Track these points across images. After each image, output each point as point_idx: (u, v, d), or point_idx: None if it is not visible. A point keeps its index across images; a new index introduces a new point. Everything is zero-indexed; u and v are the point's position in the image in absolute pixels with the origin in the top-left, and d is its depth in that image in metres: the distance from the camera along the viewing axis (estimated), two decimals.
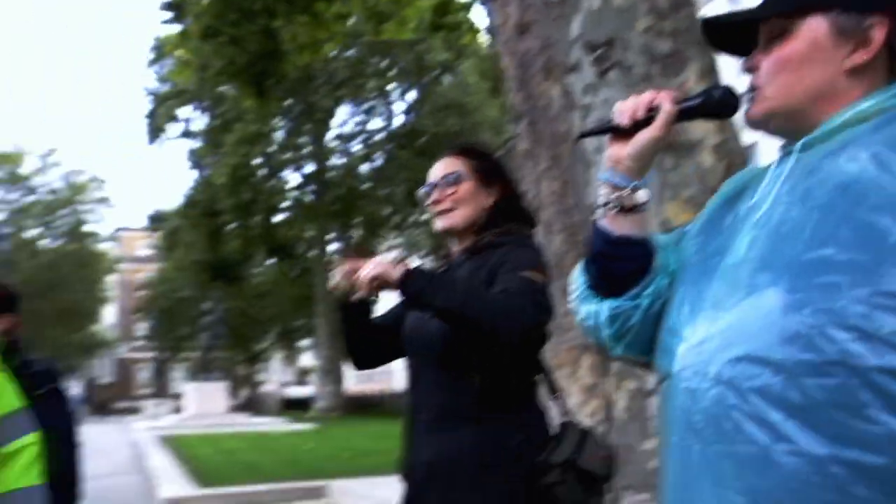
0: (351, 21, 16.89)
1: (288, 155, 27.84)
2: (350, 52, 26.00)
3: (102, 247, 53.36)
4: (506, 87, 4.31)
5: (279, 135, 27.70)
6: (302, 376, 52.97)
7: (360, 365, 2.39)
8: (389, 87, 28.55)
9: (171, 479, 10.89)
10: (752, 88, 1.18)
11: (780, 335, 0.96)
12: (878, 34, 1.09)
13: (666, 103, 1.23)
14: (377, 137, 28.92)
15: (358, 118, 29.02)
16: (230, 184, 25.44)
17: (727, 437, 0.98)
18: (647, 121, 1.24)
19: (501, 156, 2.37)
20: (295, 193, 28.98)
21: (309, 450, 14.91)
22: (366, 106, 28.73)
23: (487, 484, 1.96)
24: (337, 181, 27.59)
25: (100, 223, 52.58)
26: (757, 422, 0.95)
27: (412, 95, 28.64)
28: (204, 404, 24.48)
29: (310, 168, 28.14)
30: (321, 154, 27.70)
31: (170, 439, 17.74)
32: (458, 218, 2.17)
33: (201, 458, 13.67)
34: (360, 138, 29.05)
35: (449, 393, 2.04)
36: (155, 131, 26.91)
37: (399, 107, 29.19)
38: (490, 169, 2.22)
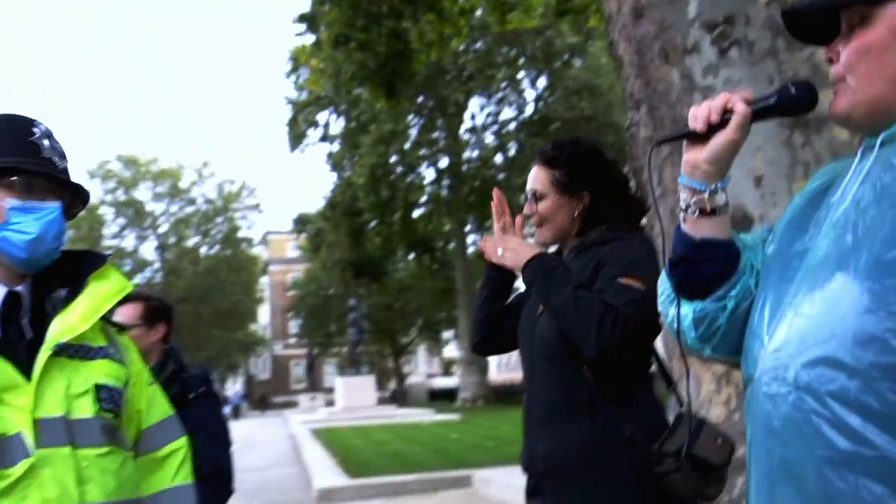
0: (477, 14, 17.01)
1: (423, 151, 28.26)
2: (478, 45, 26.14)
3: (255, 251, 56.12)
4: (623, 75, 4.24)
5: (413, 132, 28.17)
6: (447, 367, 53.81)
7: (481, 349, 2.48)
8: (519, 75, 28.47)
9: (325, 470, 11.32)
10: (836, 81, 1.14)
11: (854, 338, 0.95)
12: None
13: (739, 104, 1.22)
14: (509, 127, 28.94)
15: (489, 109, 29.11)
16: (369, 183, 26.11)
17: (807, 442, 0.98)
18: (722, 124, 1.23)
19: (591, 153, 2.30)
20: (431, 188, 29.38)
21: (454, 440, 15.18)
22: (497, 97, 28.77)
23: (602, 474, 2.00)
24: (472, 173, 27.82)
25: (251, 228, 55.14)
26: (836, 426, 0.94)
27: (542, 82, 28.44)
28: (353, 398, 25.34)
29: (444, 162, 28.51)
30: (455, 147, 27.98)
31: (322, 432, 18.50)
32: (547, 233, 2.23)
33: (352, 450, 14.18)
34: (492, 129, 29.14)
35: (562, 386, 2.08)
36: (296, 138, 28.00)
37: (530, 95, 29.06)
38: (573, 178, 2.20)
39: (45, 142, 1.53)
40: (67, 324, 1.48)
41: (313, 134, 28.94)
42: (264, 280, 59.08)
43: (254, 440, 22.18)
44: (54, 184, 1.53)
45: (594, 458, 2.01)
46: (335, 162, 29.80)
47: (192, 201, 53.17)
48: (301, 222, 34.05)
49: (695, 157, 1.26)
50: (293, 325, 52.11)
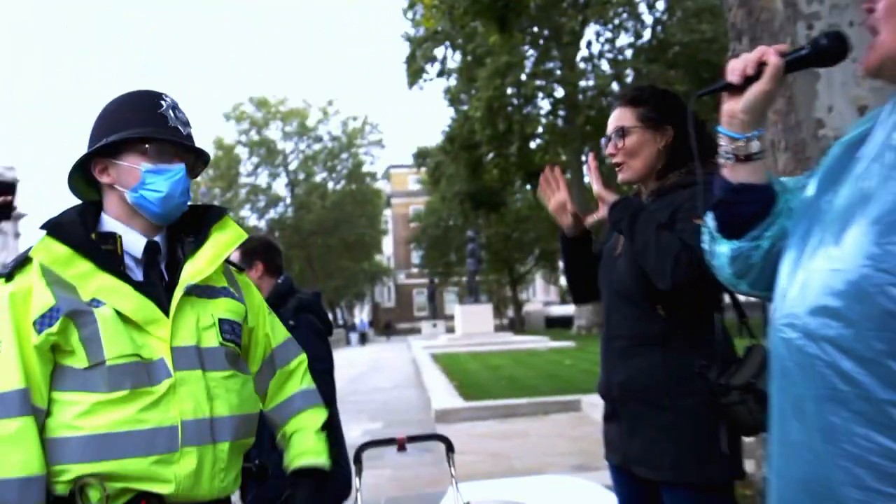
0: None
1: (538, 82, 27.76)
2: None
3: (378, 185, 57.21)
4: (726, 5, 4.09)
5: (529, 63, 27.69)
6: (563, 295, 53.72)
7: (579, 299, 2.56)
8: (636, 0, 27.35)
9: (443, 392, 11.67)
10: (872, 33, 1.13)
11: (851, 291, 1.00)
12: None
13: (773, 57, 1.26)
14: (626, 54, 27.98)
15: (605, 36, 28.20)
16: (486, 116, 25.97)
17: (810, 382, 1.05)
18: (758, 76, 1.27)
19: (672, 95, 2.32)
20: (547, 119, 28.96)
21: (567, 366, 15.31)
22: (613, 23, 27.79)
23: (673, 401, 2.07)
24: (587, 103, 27.17)
25: (374, 163, 56.20)
26: (832, 369, 1.01)
27: (661, 5, 27.22)
28: (472, 325, 25.83)
29: (560, 93, 27.95)
30: (570, 77, 27.34)
31: (442, 357, 19.03)
32: (631, 171, 2.24)
33: (469, 374, 14.57)
34: (608, 56, 28.24)
35: (637, 321, 2.16)
36: (413, 74, 28.10)
37: (647, 20, 27.90)
38: (657, 113, 2.22)
39: (171, 113, 1.69)
40: (196, 268, 1.66)
41: (431, 69, 29.00)
42: (387, 213, 60.35)
43: (380, 364, 23.09)
44: (180, 149, 1.69)
45: (664, 387, 2.08)
46: (452, 96, 29.80)
47: (318, 139, 54.49)
48: (421, 156, 34.44)
49: (732, 107, 1.31)
50: (415, 256, 53.27)
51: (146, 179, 1.64)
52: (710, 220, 1.43)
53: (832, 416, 1.01)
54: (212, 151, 46.62)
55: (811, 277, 1.08)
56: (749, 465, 2.46)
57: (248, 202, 53.05)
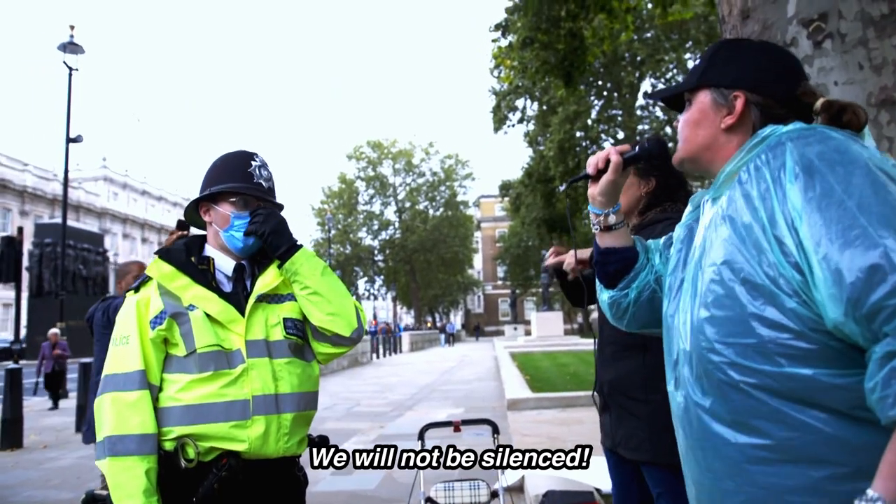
0: (644, 9, 16.17)
1: (602, 127, 27.48)
2: (648, 34, 24.85)
3: (469, 211, 57.42)
4: None
5: (594, 111, 27.43)
6: None
7: (576, 304, 2.62)
8: (686, 56, 26.70)
9: (515, 385, 11.61)
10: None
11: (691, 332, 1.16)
12: (739, 103, 1.18)
13: (614, 156, 1.40)
14: None
15: (659, 87, 27.62)
16: (558, 155, 25.91)
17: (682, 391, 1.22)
18: (606, 168, 1.40)
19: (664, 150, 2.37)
20: None
21: None
22: (666, 77, 27.20)
23: (649, 396, 2.12)
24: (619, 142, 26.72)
25: (467, 194, 56.34)
26: (688, 384, 1.18)
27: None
28: (545, 329, 25.58)
29: (620, 135, 27.54)
30: (629, 123, 26.95)
31: (518, 355, 18.92)
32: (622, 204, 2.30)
33: (539, 370, 14.46)
34: (661, 105, 27.65)
35: (625, 332, 2.20)
36: (498, 121, 28.17)
37: None
38: (647, 166, 2.26)
39: (258, 171, 1.88)
40: (265, 282, 1.84)
41: (512, 117, 29.00)
42: (477, 234, 60.45)
43: (468, 360, 23.14)
44: (261, 199, 1.88)
45: (644, 384, 2.13)
46: (531, 139, 29.71)
47: (422, 174, 55.21)
48: (504, 188, 34.40)
49: (592, 191, 1.45)
50: (500, 271, 53.20)
51: (234, 223, 1.84)
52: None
53: (685, 417, 1.22)
54: (336, 185, 47.40)
55: (684, 323, 1.22)
56: None
57: (365, 226, 54.28)
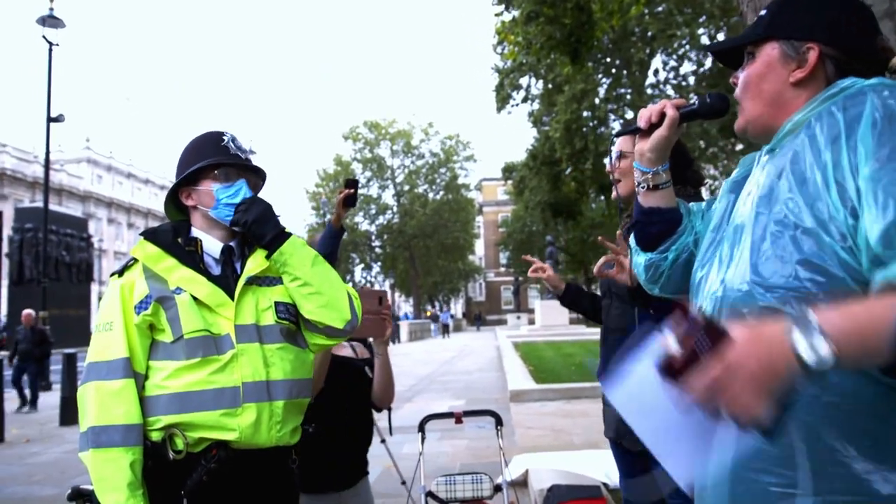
0: None
1: (610, 106, 27.36)
2: (660, 8, 24.66)
3: (471, 195, 57.38)
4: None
5: (602, 90, 27.31)
6: None
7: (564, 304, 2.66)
8: (700, 31, 26.52)
9: (518, 376, 11.66)
10: (738, 102, 1.26)
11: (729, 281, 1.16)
12: (812, 56, 1.16)
13: (671, 110, 1.35)
14: (689, 80, 27.19)
15: (671, 64, 27.47)
16: (564, 136, 25.80)
17: None
18: (660, 122, 1.37)
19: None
20: None
21: None
22: (678, 53, 27.06)
23: None
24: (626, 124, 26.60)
25: (468, 176, 56.24)
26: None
27: (721, 36, 26.33)
28: (550, 318, 25.66)
29: (629, 115, 27.44)
30: (639, 102, 26.79)
31: (522, 345, 18.99)
32: (622, 189, 2.29)
33: (543, 360, 14.52)
34: (673, 83, 27.53)
35: (630, 320, 2.21)
36: (502, 100, 28.07)
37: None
38: None
39: (231, 144, 1.89)
40: (255, 263, 1.83)
41: (516, 96, 28.87)
42: (479, 219, 60.46)
43: (469, 350, 23.22)
44: (241, 169, 1.88)
45: None
46: (535, 119, 29.60)
47: (421, 156, 55.09)
48: (508, 170, 34.34)
49: (641, 147, 1.42)
50: (502, 257, 53.19)
51: (219, 197, 1.82)
52: (632, 237, 1.54)
53: None
54: (331, 167, 47.19)
55: (707, 283, 1.22)
56: None
57: (362, 210, 54.20)
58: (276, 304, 1.82)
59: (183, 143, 1.95)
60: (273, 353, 1.78)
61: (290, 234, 1.85)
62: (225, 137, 1.89)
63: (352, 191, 2.85)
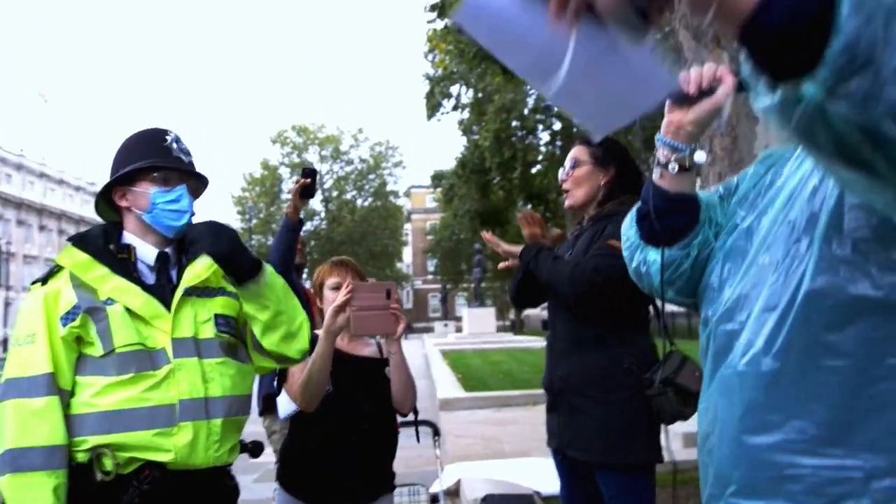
0: None
1: (539, 117, 27.93)
2: None
3: (400, 202, 57.24)
4: (682, 58, 4.15)
5: (530, 101, 27.81)
6: None
7: (520, 305, 2.61)
8: None
9: (447, 384, 11.63)
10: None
11: (763, 300, 1.06)
12: None
13: (728, 76, 1.15)
14: None
15: None
16: (493, 145, 26.22)
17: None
18: (709, 91, 1.16)
19: (619, 143, 2.38)
20: (546, 148, 29.10)
21: None
22: None
23: (605, 394, 2.12)
24: (580, 134, 27.27)
25: (397, 183, 56.08)
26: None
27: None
28: (477, 325, 25.73)
29: (557, 126, 28.08)
30: (567, 113, 27.54)
31: (449, 353, 18.98)
32: (573, 198, 2.31)
33: (471, 368, 14.53)
34: None
35: (577, 326, 2.21)
36: (432, 108, 28.14)
37: None
38: (605, 153, 2.28)
39: (174, 145, 1.78)
40: (194, 273, 1.73)
41: (447, 104, 29.02)
42: (407, 226, 60.31)
43: None
44: (183, 174, 1.78)
45: (598, 381, 2.13)
46: (465, 128, 29.82)
47: (350, 161, 54.60)
48: (437, 178, 34.46)
49: (679, 118, 1.20)
50: (430, 265, 53.38)
51: (156, 201, 1.72)
52: (632, 229, 1.35)
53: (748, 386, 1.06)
54: (258, 171, 46.15)
55: (743, 289, 1.10)
56: (692, 453, 2.50)
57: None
58: (216, 316, 1.74)
59: (103, 144, 1.82)
60: (212, 368, 1.69)
61: (261, 261, 1.77)
62: (168, 137, 1.78)
63: (309, 181, 2.74)
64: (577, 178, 2.29)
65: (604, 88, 0.89)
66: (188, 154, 1.81)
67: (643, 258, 1.31)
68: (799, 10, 0.67)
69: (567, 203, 2.33)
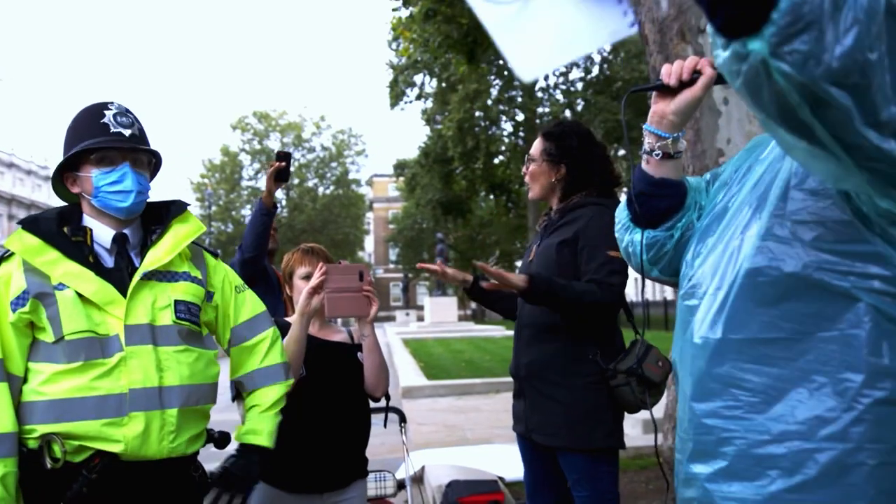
0: None
1: (502, 107, 28.01)
2: None
3: (362, 191, 56.87)
4: (647, 51, 4.20)
5: (494, 91, 27.85)
6: None
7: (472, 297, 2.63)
8: None
9: (409, 372, 11.68)
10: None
11: (736, 273, 1.12)
12: None
13: (708, 68, 1.21)
14: (577, 86, 28.26)
15: (560, 70, 28.41)
16: (456, 135, 26.18)
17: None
18: (690, 82, 1.22)
19: (575, 137, 2.35)
20: (509, 139, 29.21)
21: None
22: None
23: (568, 380, 2.15)
24: (543, 126, 27.42)
25: (359, 172, 55.65)
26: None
27: (607, 46, 27.52)
28: (439, 314, 25.78)
29: (520, 117, 28.20)
30: (529, 105, 27.59)
31: (411, 342, 18.98)
32: (533, 190, 2.35)
33: (434, 356, 14.57)
34: (561, 88, 28.52)
35: (544, 315, 2.23)
36: (395, 97, 27.97)
37: (596, 58, 28.17)
38: (557, 152, 2.28)
39: (114, 120, 1.68)
40: (155, 256, 1.68)
41: (410, 93, 28.88)
42: (369, 215, 59.95)
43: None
44: (125, 150, 1.69)
45: (563, 369, 2.16)
46: (428, 117, 29.75)
47: (312, 149, 54.01)
48: (399, 167, 34.37)
49: (663, 108, 1.27)
50: (392, 253, 53.22)
51: (97, 183, 1.65)
52: (624, 210, 1.41)
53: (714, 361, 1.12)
54: (217, 158, 45.22)
55: (711, 263, 1.17)
56: (658, 438, 2.55)
57: (249, 203, 52.41)
58: (177, 302, 1.68)
59: (55, 125, 1.75)
60: (168, 356, 1.63)
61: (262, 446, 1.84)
62: (106, 112, 1.68)
63: (283, 164, 2.69)
64: (532, 174, 2.35)
65: (554, 19, 0.92)
66: (131, 125, 1.71)
67: (631, 239, 1.38)
68: None
69: (530, 195, 2.39)
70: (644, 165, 1.32)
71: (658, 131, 1.28)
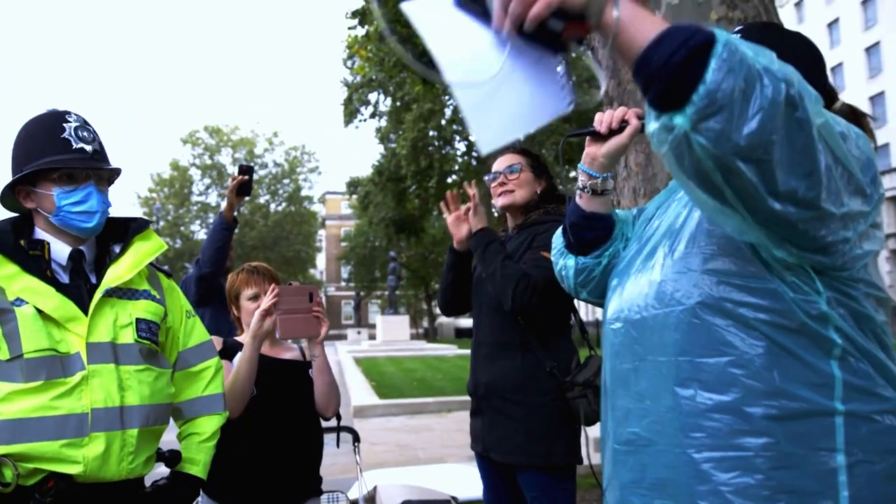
0: None
1: (456, 127, 28.23)
2: None
3: (314, 208, 56.42)
4: (602, 75, 4.30)
5: (448, 111, 28.08)
6: None
7: (449, 311, 2.61)
8: None
9: (361, 391, 11.57)
10: None
11: (647, 298, 1.21)
12: None
13: (633, 119, 1.35)
14: None
15: None
16: (410, 154, 26.28)
17: (628, 357, 1.23)
18: (619, 130, 1.36)
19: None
20: (463, 159, 29.43)
21: None
22: None
23: (527, 398, 2.17)
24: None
25: (312, 189, 55.31)
26: (641, 345, 1.21)
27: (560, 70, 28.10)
28: (391, 333, 25.65)
29: (473, 137, 28.54)
30: None
31: (363, 360, 18.82)
32: (517, 197, 2.36)
33: (386, 375, 14.47)
34: None
35: (501, 331, 2.25)
36: (349, 115, 27.97)
37: None
38: (539, 165, 2.39)
39: (75, 134, 1.62)
40: (116, 273, 1.64)
41: (365, 111, 28.91)
42: (321, 233, 59.49)
43: None
44: (89, 169, 1.64)
45: (522, 385, 2.18)
46: (382, 135, 29.80)
47: (264, 165, 53.41)
48: (353, 185, 34.24)
49: (594, 151, 1.40)
50: (344, 271, 52.79)
51: (60, 202, 1.61)
52: (559, 239, 1.52)
53: (643, 381, 1.18)
54: (166, 172, 44.37)
55: (630, 291, 1.24)
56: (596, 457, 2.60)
57: (199, 218, 51.48)
58: (138, 321, 1.64)
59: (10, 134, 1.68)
60: (130, 375, 1.59)
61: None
62: (67, 125, 1.63)
63: (246, 177, 2.66)
64: (521, 181, 2.36)
65: (512, 100, 1.01)
66: (93, 141, 1.66)
67: (564, 263, 1.51)
68: (673, 57, 0.86)
69: (504, 201, 2.36)
70: (577, 200, 1.45)
71: (590, 171, 1.41)
